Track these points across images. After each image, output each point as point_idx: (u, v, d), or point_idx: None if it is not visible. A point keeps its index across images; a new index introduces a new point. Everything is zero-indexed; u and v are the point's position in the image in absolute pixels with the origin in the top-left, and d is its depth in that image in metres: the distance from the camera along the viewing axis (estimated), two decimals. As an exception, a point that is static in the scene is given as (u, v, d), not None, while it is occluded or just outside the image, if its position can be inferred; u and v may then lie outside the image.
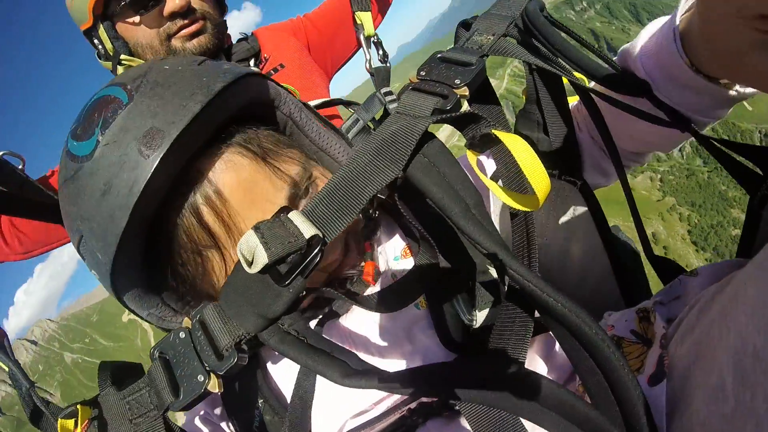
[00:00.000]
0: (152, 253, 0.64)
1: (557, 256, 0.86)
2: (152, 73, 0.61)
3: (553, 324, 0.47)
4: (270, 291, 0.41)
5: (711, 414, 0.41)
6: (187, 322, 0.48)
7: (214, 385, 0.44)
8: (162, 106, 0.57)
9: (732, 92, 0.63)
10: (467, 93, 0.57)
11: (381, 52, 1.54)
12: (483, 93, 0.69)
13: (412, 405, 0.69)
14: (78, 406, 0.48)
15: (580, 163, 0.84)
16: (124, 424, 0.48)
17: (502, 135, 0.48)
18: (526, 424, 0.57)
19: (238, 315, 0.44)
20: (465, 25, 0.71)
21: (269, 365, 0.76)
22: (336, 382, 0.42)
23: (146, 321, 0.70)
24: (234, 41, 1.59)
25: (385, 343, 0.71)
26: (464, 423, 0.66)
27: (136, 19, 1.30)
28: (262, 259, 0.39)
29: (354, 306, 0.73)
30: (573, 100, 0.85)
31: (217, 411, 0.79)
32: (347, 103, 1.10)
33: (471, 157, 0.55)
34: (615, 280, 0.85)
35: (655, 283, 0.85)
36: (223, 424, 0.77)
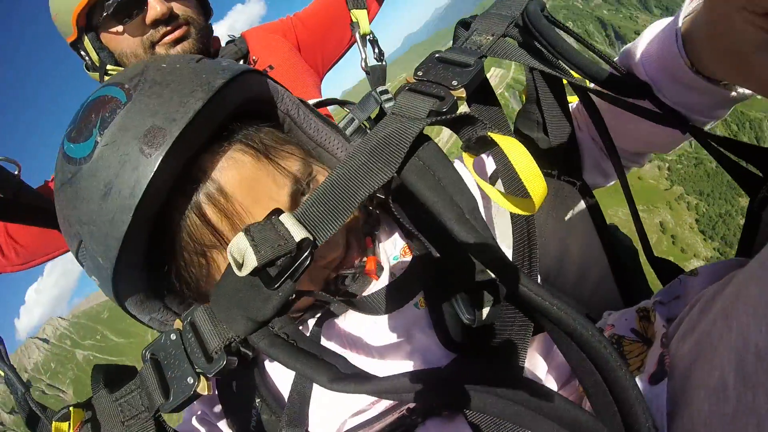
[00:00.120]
0: (154, 256, 0.63)
1: (555, 256, 0.86)
2: (150, 71, 0.60)
3: (550, 326, 0.47)
4: (259, 294, 0.41)
5: (712, 413, 0.41)
6: (178, 323, 0.48)
7: (203, 388, 0.44)
8: (162, 105, 0.55)
9: (733, 93, 0.62)
10: (464, 95, 0.56)
11: (376, 50, 1.51)
12: (482, 93, 0.69)
13: (411, 404, 0.68)
14: (71, 408, 0.48)
15: (580, 163, 0.84)
16: (117, 426, 0.47)
17: (498, 138, 0.47)
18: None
19: (228, 318, 0.43)
20: (464, 24, 0.70)
21: (267, 364, 0.76)
22: (324, 386, 0.42)
23: (148, 326, 0.69)
24: (224, 44, 1.58)
25: (384, 343, 0.71)
26: (464, 422, 0.66)
27: (120, 28, 1.31)
28: (251, 262, 0.38)
29: (356, 297, 0.72)
30: (573, 100, 0.84)
31: (216, 410, 0.79)
32: (342, 103, 1.09)
33: (467, 159, 0.54)
34: (614, 280, 0.84)
35: (654, 283, 0.85)
36: (221, 424, 0.77)
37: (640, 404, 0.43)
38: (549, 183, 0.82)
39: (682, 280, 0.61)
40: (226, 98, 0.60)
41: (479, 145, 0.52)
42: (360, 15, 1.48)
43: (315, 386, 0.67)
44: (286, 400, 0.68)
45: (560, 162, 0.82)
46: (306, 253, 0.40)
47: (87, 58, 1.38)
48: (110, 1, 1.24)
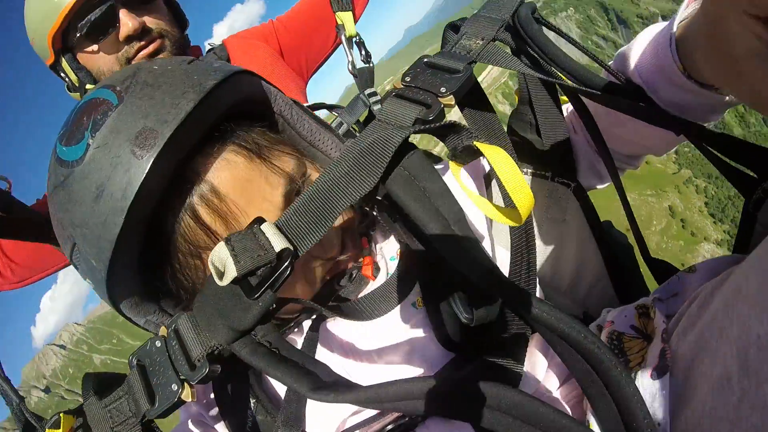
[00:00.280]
0: (150, 258, 0.63)
1: (551, 257, 0.85)
2: (141, 73, 0.60)
3: (543, 330, 0.47)
4: (240, 303, 0.41)
5: (717, 404, 0.42)
6: (163, 330, 0.48)
7: (188, 395, 0.44)
8: (153, 106, 0.55)
9: (726, 97, 0.62)
10: (453, 102, 0.56)
11: (363, 52, 1.47)
12: (474, 98, 0.68)
13: None
14: (61, 415, 0.49)
15: (575, 164, 0.83)
16: None
17: (483, 147, 0.47)
18: None
19: (210, 326, 0.44)
20: (453, 27, 0.70)
21: None
22: (305, 395, 0.42)
23: (143, 329, 0.69)
24: (204, 53, 1.58)
25: (382, 343, 0.70)
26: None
27: (95, 47, 1.32)
28: (231, 272, 0.39)
29: (350, 302, 0.73)
30: (567, 102, 0.84)
31: (212, 413, 0.79)
32: (331, 107, 1.09)
33: (454, 168, 0.54)
34: (609, 279, 0.84)
35: (650, 280, 0.85)
36: (218, 426, 0.78)
37: (637, 401, 0.43)
38: (543, 184, 0.82)
39: (680, 277, 0.61)
40: (218, 99, 0.60)
41: (466, 154, 0.52)
42: (345, 17, 1.44)
43: None
44: (282, 401, 0.68)
45: (554, 163, 0.82)
46: (286, 264, 0.40)
47: (67, 79, 1.40)
48: (83, 22, 1.26)
